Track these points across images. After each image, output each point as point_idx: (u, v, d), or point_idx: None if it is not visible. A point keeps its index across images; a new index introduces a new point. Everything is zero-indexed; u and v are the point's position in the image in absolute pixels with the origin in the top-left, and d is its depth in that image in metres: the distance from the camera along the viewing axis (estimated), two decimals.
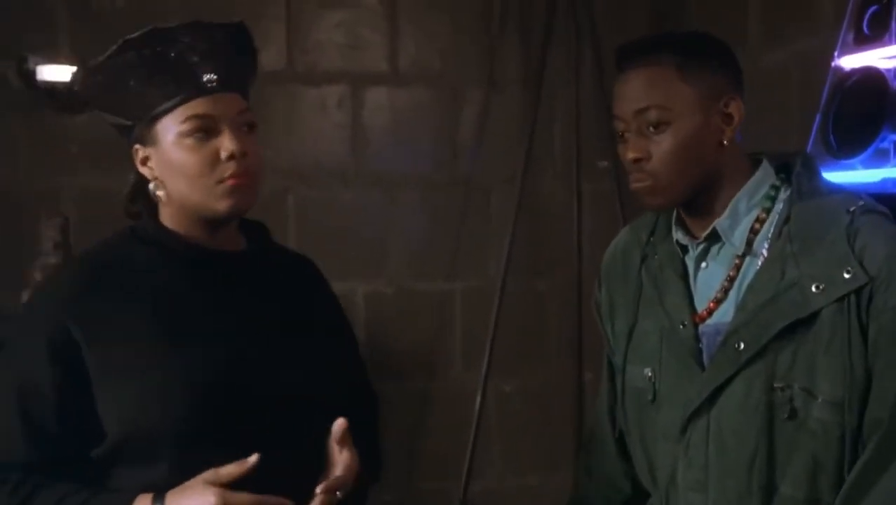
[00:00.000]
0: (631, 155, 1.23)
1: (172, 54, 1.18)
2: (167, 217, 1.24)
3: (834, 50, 2.12)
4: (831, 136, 2.15)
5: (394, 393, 2.65)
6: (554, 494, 2.88)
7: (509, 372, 2.97)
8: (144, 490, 1.14)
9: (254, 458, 1.10)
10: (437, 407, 2.93)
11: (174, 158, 1.18)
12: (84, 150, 2.59)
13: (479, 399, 2.73)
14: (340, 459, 1.18)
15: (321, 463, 1.20)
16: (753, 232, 1.24)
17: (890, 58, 2.02)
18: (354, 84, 2.84)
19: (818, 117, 2.15)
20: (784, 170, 1.28)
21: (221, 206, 1.19)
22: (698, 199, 1.26)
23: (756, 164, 1.28)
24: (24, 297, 2.17)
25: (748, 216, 1.25)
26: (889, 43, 2.01)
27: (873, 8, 2.04)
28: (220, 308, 1.21)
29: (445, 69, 2.91)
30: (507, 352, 2.88)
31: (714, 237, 1.26)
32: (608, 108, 2.70)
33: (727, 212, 1.24)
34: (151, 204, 1.25)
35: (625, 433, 1.37)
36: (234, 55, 1.23)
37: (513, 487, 3.01)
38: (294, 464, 1.17)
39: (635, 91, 1.23)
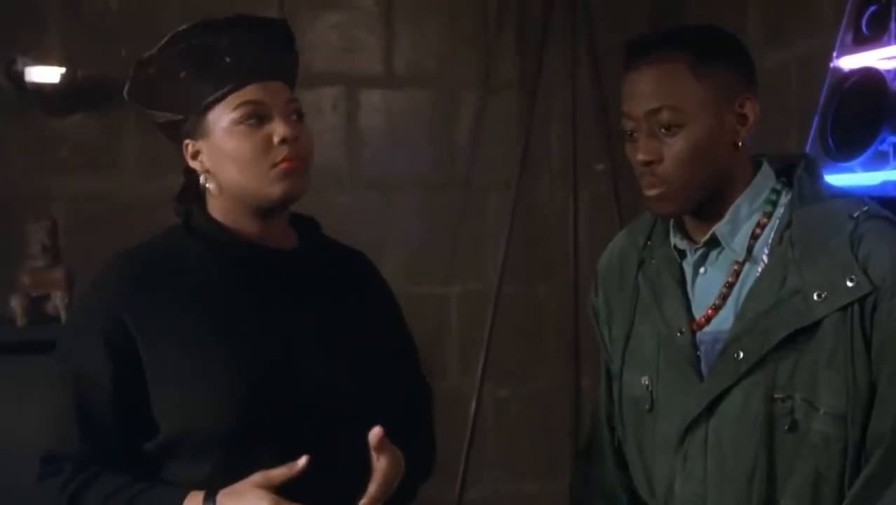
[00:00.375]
0: (641, 157, 1.19)
1: (221, 44, 1.20)
2: (217, 212, 1.25)
3: (833, 50, 2.10)
4: (830, 138, 2.13)
5: None
6: (551, 502, 2.86)
7: (506, 377, 2.96)
8: (192, 486, 1.15)
9: (303, 460, 1.10)
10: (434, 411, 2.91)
11: (227, 146, 1.20)
12: (74, 152, 2.57)
13: (474, 404, 2.71)
14: (378, 468, 1.17)
15: (369, 465, 1.19)
16: (754, 237, 1.21)
17: (889, 58, 2.00)
18: (350, 86, 2.83)
19: (816, 119, 2.13)
20: (785, 173, 1.24)
21: (275, 190, 1.19)
22: (704, 203, 1.22)
23: (756, 166, 1.24)
24: (13, 301, 2.15)
25: (749, 221, 1.21)
26: (888, 43, 1.99)
27: (872, 8, 2.02)
28: (271, 307, 1.21)
29: (441, 71, 2.90)
30: (504, 356, 2.87)
31: (713, 242, 1.23)
32: (605, 110, 2.76)
33: (727, 217, 1.21)
34: (201, 201, 1.26)
35: (622, 442, 1.33)
36: (279, 48, 1.26)
37: (509, 494, 2.99)
38: (341, 467, 1.16)
39: (646, 90, 1.18)
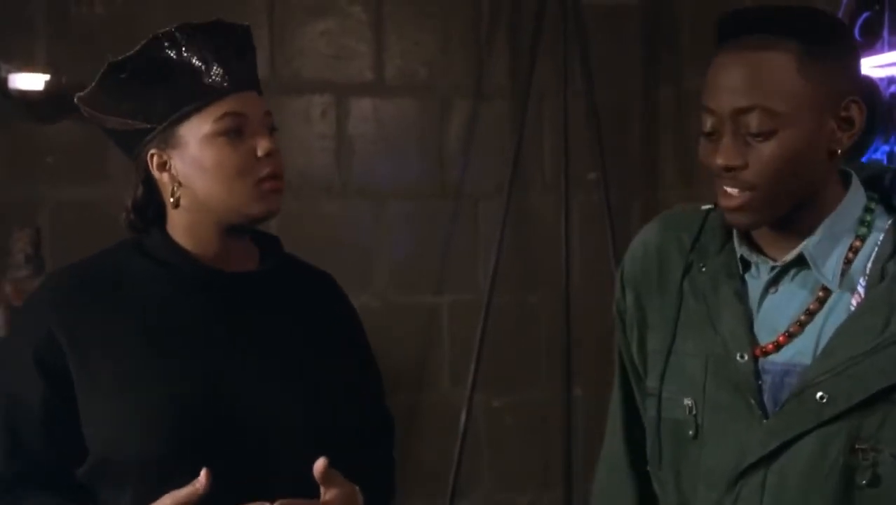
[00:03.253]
0: (722, 161, 1.02)
1: (197, 53, 1.15)
2: (179, 227, 1.19)
3: None
4: None
5: None
6: None
7: (497, 387, 2.94)
8: None
9: (203, 475, 1.05)
10: (425, 423, 2.89)
11: (206, 159, 1.14)
12: (59, 160, 2.55)
13: (464, 415, 2.69)
14: (324, 500, 1.11)
15: (316, 497, 1.13)
16: (846, 262, 1.05)
17: (882, 66, 1.99)
18: (339, 94, 2.81)
19: None
20: (871, 186, 1.09)
21: (257, 208, 1.16)
22: (787, 215, 1.06)
23: (844, 177, 1.08)
24: None
25: (841, 243, 1.05)
26: (881, 51, 1.98)
27: (865, 15, 2.02)
28: (216, 331, 1.16)
29: (432, 79, 2.88)
30: (495, 366, 2.85)
31: (795, 261, 1.06)
32: (597, 118, 2.75)
33: (819, 234, 1.05)
34: (158, 214, 1.21)
35: (653, 470, 1.17)
36: (249, 56, 1.21)
37: None
38: (280, 495, 1.10)
39: (739, 83, 1.00)
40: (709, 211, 1.15)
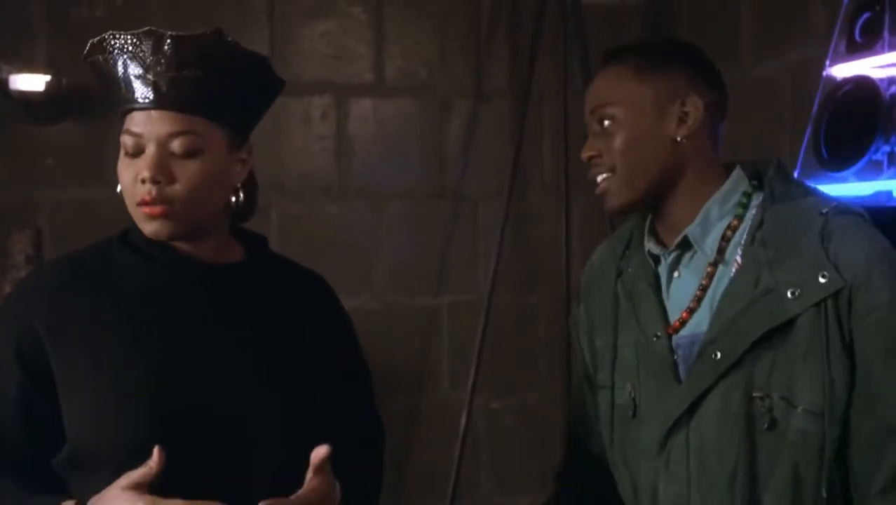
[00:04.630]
0: (583, 154, 1.26)
1: (122, 62, 1.12)
2: None
3: (826, 59, 2.09)
4: (823, 148, 2.12)
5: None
6: None
7: (498, 389, 2.93)
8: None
9: (156, 454, 1.04)
10: (425, 424, 2.89)
11: (118, 169, 1.16)
12: (59, 161, 2.55)
13: (464, 417, 2.69)
14: (307, 485, 1.11)
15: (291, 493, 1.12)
16: (725, 239, 1.22)
17: (882, 66, 1.99)
18: (339, 95, 2.81)
19: (809, 128, 2.12)
20: (758, 177, 1.26)
21: (144, 229, 1.14)
22: (666, 207, 1.25)
23: (730, 171, 1.27)
24: None
25: (720, 223, 1.23)
26: (881, 51, 1.98)
27: (865, 15, 2.01)
28: (196, 323, 1.16)
29: (432, 80, 2.88)
30: (496, 367, 2.84)
31: (685, 245, 1.24)
32: None
33: (698, 219, 1.23)
34: None
35: (608, 453, 1.33)
36: (190, 71, 1.11)
37: None
38: (255, 493, 1.08)
39: (594, 91, 1.27)
40: (635, 225, 1.34)
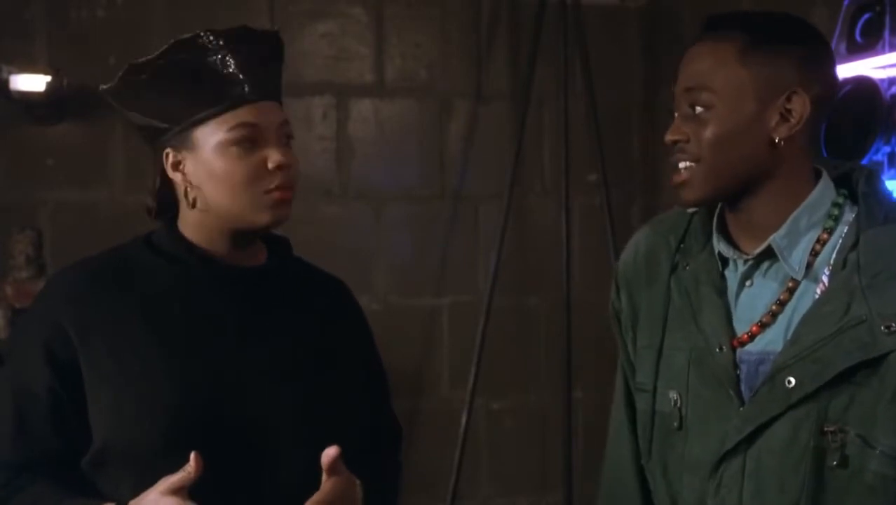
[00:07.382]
0: (669, 137, 1.12)
1: (219, 59, 1.16)
2: (190, 224, 1.21)
3: None
4: (823, 148, 2.11)
5: None
6: None
7: (498, 390, 2.93)
8: (114, 500, 1.12)
9: (192, 459, 1.05)
10: (425, 425, 2.88)
11: (217, 166, 1.16)
12: (60, 162, 2.55)
13: (464, 418, 2.69)
14: (321, 489, 1.12)
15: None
16: (813, 254, 1.11)
17: (883, 67, 1.99)
18: (340, 95, 2.81)
19: None
20: (842, 184, 1.15)
21: (263, 218, 1.17)
22: (748, 206, 1.13)
23: (815, 175, 1.15)
24: None
25: (808, 235, 1.11)
26: (882, 52, 1.98)
27: (866, 16, 2.01)
28: (222, 325, 1.18)
29: (432, 81, 2.88)
30: (496, 368, 2.84)
31: (765, 254, 1.12)
32: (597, 120, 2.74)
33: (785, 227, 1.10)
34: (170, 210, 1.22)
35: (644, 462, 1.23)
36: (275, 64, 1.22)
37: None
38: (277, 494, 1.12)
39: (689, 67, 1.12)
40: (693, 214, 1.22)
